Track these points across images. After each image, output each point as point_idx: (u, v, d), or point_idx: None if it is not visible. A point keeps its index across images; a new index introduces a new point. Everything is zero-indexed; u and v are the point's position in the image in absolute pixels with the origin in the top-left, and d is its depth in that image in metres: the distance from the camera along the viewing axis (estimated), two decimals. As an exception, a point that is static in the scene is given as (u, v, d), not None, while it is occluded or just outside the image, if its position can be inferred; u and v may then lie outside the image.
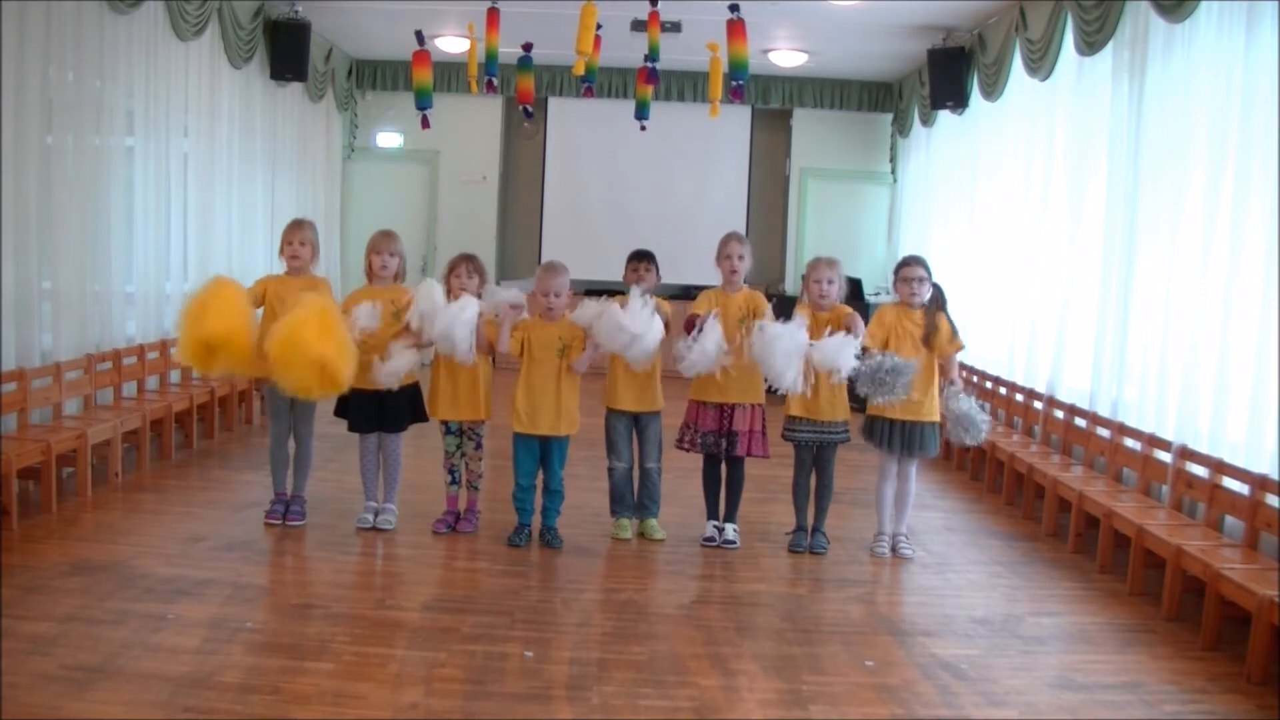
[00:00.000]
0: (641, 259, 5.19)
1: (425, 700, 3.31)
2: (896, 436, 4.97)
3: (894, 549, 5.11)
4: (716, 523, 5.18)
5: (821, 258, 5.10)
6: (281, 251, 5.08)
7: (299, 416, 5.11)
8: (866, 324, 4.99)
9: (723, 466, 5.15)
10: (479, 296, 5.10)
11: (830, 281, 4.98)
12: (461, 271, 5.04)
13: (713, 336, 4.76)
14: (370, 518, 5.12)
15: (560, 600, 4.30)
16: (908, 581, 4.81)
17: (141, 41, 6.68)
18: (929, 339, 4.95)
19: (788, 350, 4.64)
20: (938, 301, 5.04)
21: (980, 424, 4.91)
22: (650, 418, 5.09)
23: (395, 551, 4.89)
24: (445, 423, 5.07)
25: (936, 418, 5.01)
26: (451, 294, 5.07)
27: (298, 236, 5.03)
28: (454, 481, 5.17)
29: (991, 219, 8.23)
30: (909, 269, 5.03)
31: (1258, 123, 4.70)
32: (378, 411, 5.00)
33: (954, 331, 5.03)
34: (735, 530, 5.16)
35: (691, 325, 4.99)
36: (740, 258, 5.04)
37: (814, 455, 5.08)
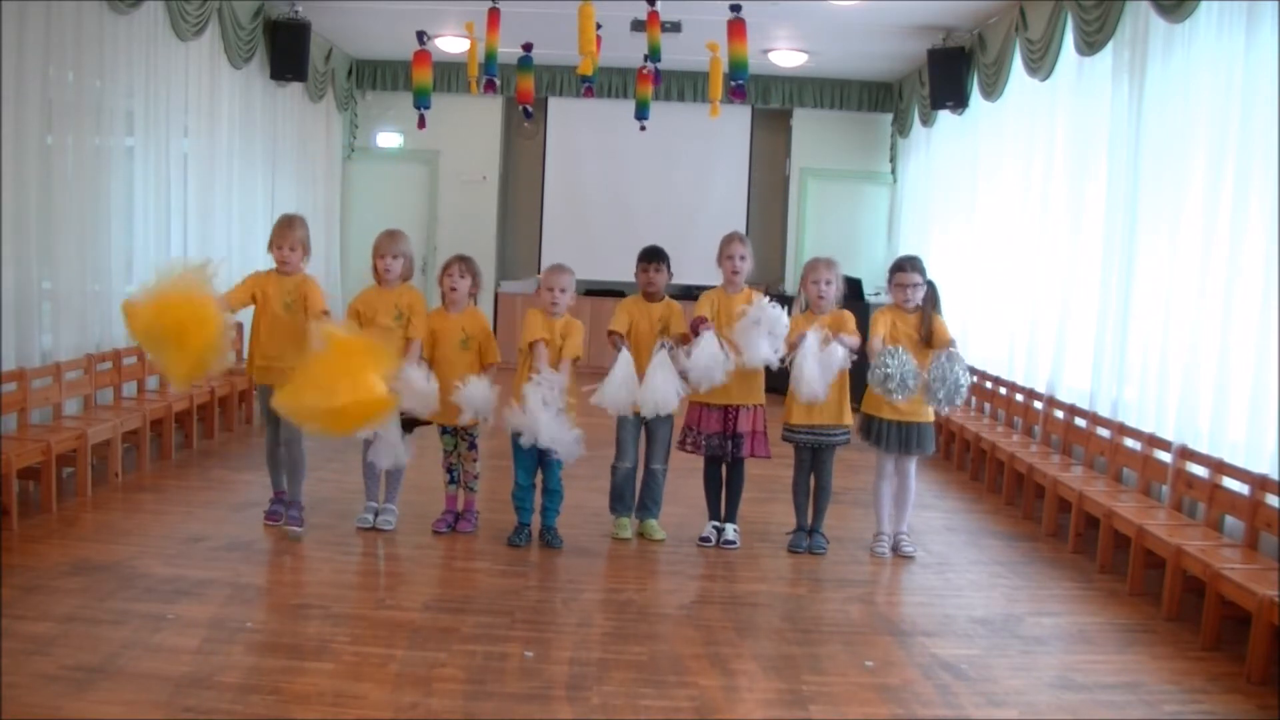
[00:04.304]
0: (652, 260, 5.14)
1: (425, 700, 3.31)
2: (893, 436, 4.97)
3: (895, 548, 5.11)
4: (716, 523, 5.19)
5: (819, 258, 5.09)
6: (270, 248, 4.96)
7: (286, 421, 4.80)
8: (863, 335, 5.03)
9: (723, 467, 5.15)
10: (474, 299, 5.13)
11: (828, 282, 4.98)
12: (454, 272, 5.04)
13: (707, 350, 4.76)
14: (370, 518, 5.11)
15: (560, 600, 4.30)
16: (908, 581, 4.81)
17: (141, 41, 6.67)
18: (929, 341, 4.94)
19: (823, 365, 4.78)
20: (932, 301, 5.02)
21: (961, 387, 4.76)
22: (661, 419, 5.08)
23: (395, 551, 4.89)
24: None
25: (932, 417, 5.01)
26: (444, 294, 5.08)
27: (288, 240, 4.88)
28: (452, 481, 5.17)
29: (991, 219, 8.22)
30: (903, 275, 4.99)
31: (1258, 123, 4.70)
32: None
33: (944, 324, 5.03)
34: (735, 530, 5.16)
35: (696, 328, 4.98)
36: (742, 258, 5.04)
37: (812, 456, 5.08)
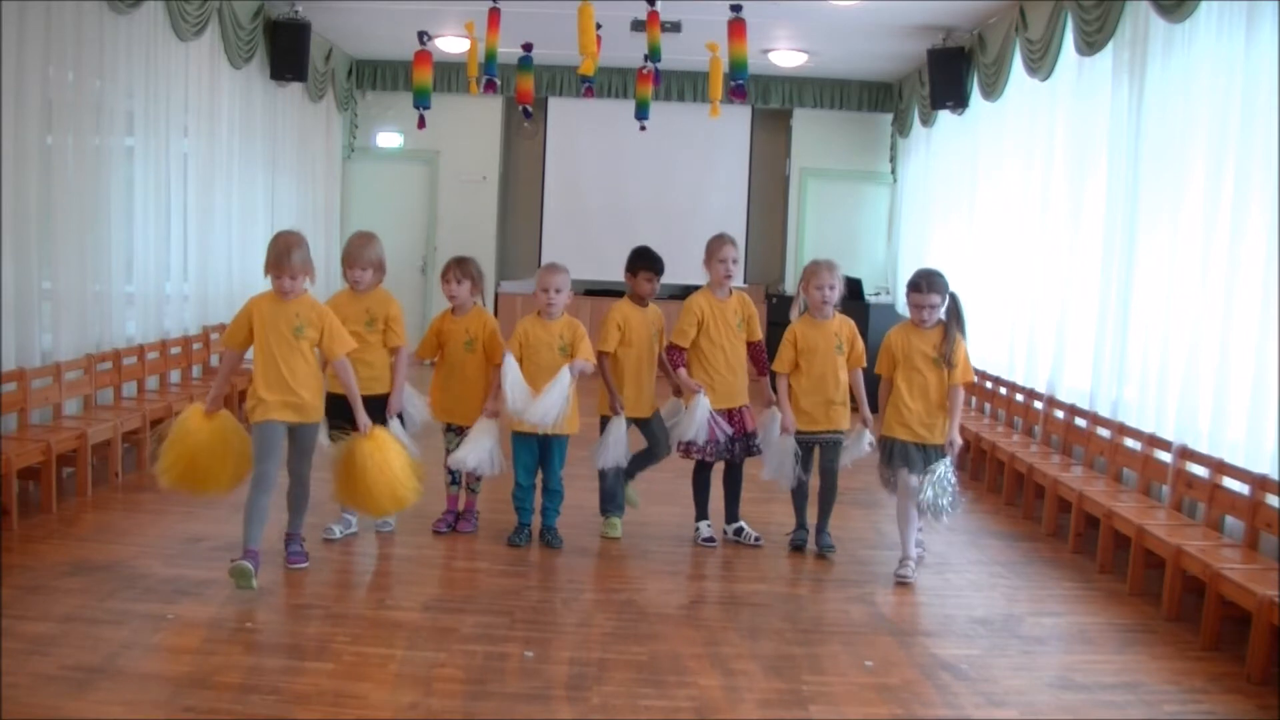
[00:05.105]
0: (656, 270, 5.11)
1: (425, 700, 3.31)
2: (916, 458, 4.67)
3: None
4: (707, 521, 5.18)
5: (821, 262, 4.99)
6: (267, 273, 4.28)
7: (298, 453, 4.43)
8: (864, 335, 5.00)
9: (713, 468, 5.13)
10: (480, 299, 5.10)
11: (831, 287, 4.90)
12: (451, 279, 4.98)
13: (702, 414, 4.85)
14: (337, 530, 4.91)
15: (560, 600, 4.30)
16: (908, 581, 4.81)
17: (141, 41, 6.67)
18: (950, 360, 4.62)
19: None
20: (956, 317, 4.67)
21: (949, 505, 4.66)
22: (647, 420, 5.10)
23: (395, 551, 4.89)
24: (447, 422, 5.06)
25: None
26: (450, 301, 5.06)
27: (287, 269, 4.20)
28: (454, 481, 5.16)
29: (991, 219, 8.22)
30: (919, 295, 4.63)
31: (1258, 123, 4.70)
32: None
33: (966, 356, 4.71)
34: (747, 525, 5.18)
35: (675, 355, 4.97)
36: (735, 261, 5.03)
37: (816, 456, 5.02)
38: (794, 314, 5.10)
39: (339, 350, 4.35)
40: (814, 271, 4.96)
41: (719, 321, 4.98)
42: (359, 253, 4.79)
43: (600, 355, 5.01)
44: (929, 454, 4.68)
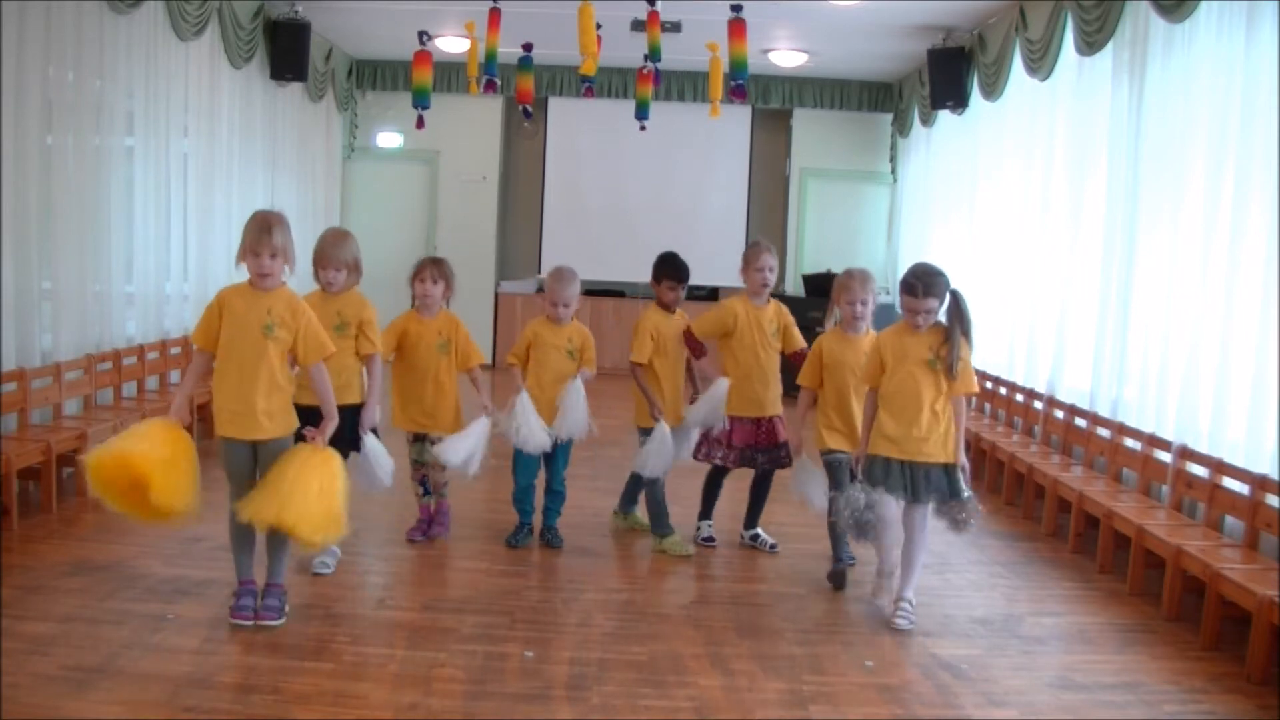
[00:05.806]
0: (675, 276, 5.05)
1: (425, 700, 3.31)
2: (897, 478, 4.11)
3: (890, 611, 4.22)
4: (709, 521, 5.16)
5: (854, 274, 4.61)
6: (243, 257, 3.77)
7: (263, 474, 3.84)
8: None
9: (723, 473, 5.10)
10: (446, 303, 4.89)
11: (864, 302, 4.57)
12: (427, 277, 4.80)
13: (717, 399, 4.81)
14: (330, 562, 4.52)
15: (560, 600, 4.30)
16: (908, 581, 4.80)
17: (141, 41, 6.67)
18: (952, 370, 4.05)
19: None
20: (960, 317, 4.06)
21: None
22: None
23: (395, 552, 4.89)
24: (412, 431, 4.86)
25: (949, 459, 4.11)
26: (415, 297, 4.84)
27: (266, 247, 3.70)
28: (426, 493, 5.00)
29: (991, 219, 8.23)
30: (912, 300, 4.05)
31: (1258, 123, 4.70)
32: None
33: (969, 363, 4.14)
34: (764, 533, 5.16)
35: (694, 342, 4.94)
36: (771, 269, 4.90)
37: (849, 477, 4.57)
38: (828, 324, 4.75)
39: (315, 355, 3.81)
40: (845, 285, 4.62)
41: (754, 328, 4.89)
42: (332, 252, 4.43)
43: (635, 365, 4.96)
44: (914, 474, 4.10)
